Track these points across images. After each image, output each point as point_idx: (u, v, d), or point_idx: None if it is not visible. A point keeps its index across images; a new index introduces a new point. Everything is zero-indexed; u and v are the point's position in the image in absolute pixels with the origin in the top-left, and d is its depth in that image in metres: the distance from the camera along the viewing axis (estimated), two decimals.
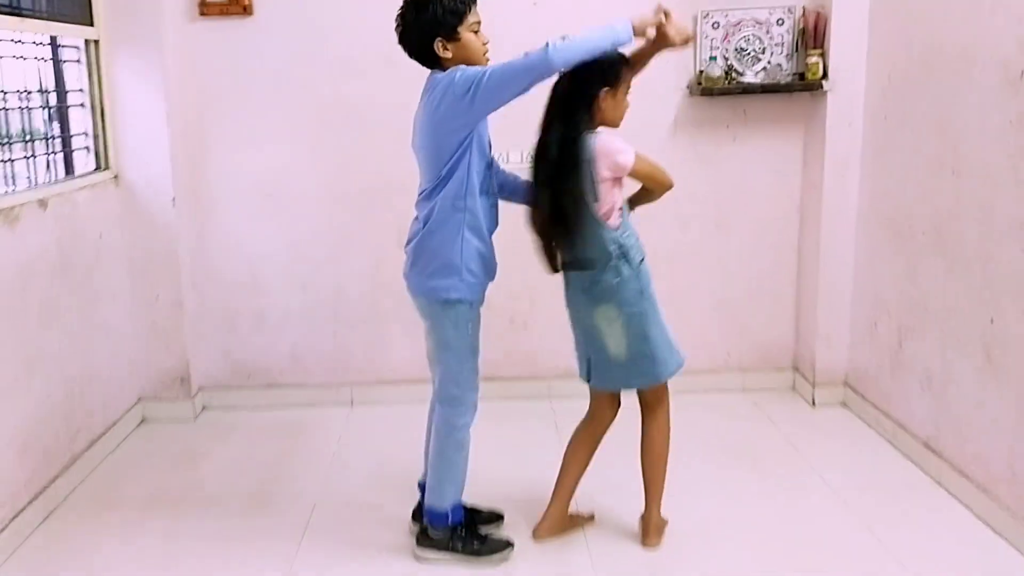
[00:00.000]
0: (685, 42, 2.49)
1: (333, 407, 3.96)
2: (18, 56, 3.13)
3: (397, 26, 2.44)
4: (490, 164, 2.53)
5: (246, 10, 3.64)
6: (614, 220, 2.52)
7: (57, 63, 3.44)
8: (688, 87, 3.80)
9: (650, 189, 2.62)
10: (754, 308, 4.03)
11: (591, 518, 2.89)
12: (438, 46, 2.38)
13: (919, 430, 3.27)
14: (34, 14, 3.14)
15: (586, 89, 2.47)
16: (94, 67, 3.52)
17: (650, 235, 3.87)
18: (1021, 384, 2.66)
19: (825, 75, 3.65)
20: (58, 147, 3.42)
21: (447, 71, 2.37)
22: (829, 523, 2.89)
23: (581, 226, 2.49)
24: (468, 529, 2.69)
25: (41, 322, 3.01)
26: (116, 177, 3.63)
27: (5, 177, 3.01)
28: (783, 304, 4.02)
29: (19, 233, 2.86)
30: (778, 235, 3.96)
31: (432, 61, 2.44)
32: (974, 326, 2.90)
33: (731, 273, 3.99)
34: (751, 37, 3.75)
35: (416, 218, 2.55)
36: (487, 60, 2.44)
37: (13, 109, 3.12)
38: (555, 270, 2.65)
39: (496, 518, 2.85)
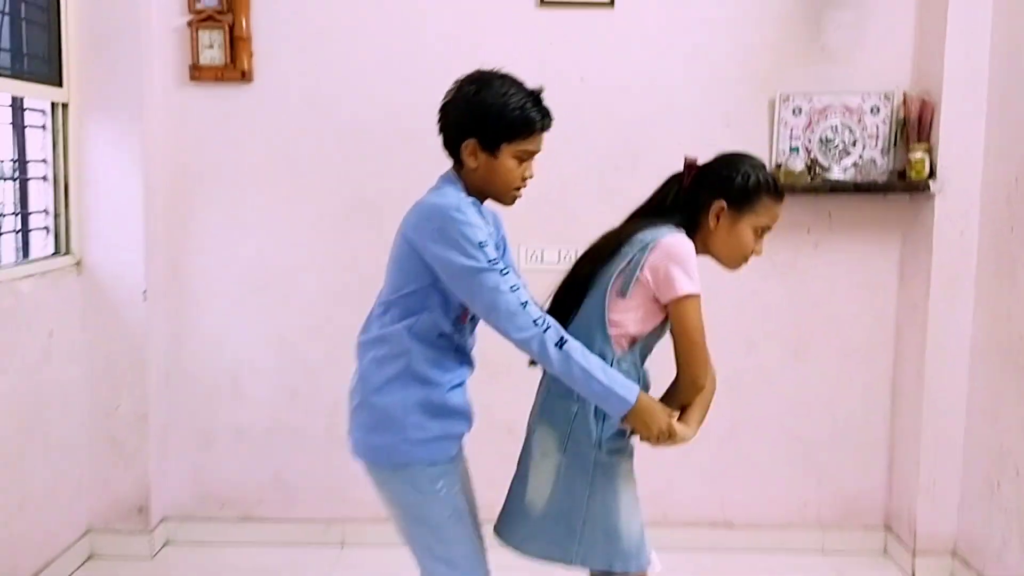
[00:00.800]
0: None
1: (320, 547, 3.27)
2: None
3: (448, 93, 1.93)
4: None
5: (244, 76, 3.12)
6: (621, 342, 1.88)
7: (19, 128, 2.93)
8: None
9: (684, 352, 1.89)
10: (838, 451, 3.30)
11: None
12: (466, 148, 1.86)
13: None
14: None
15: (703, 190, 1.97)
16: (60, 134, 3.00)
17: (712, 356, 3.25)
18: None
19: (932, 174, 3.01)
20: (13, 226, 2.89)
21: (440, 202, 1.82)
22: None
23: (579, 309, 1.91)
24: None
25: None
26: (78, 263, 3.07)
27: None
28: (874, 448, 3.29)
29: None
30: (869, 364, 3.26)
31: (453, 154, 1.90)
32: None
33: (810, 407, 3.28)
34: (839, 127, 3.14)
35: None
36: (513, 196, 1.93)
37: None
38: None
39: None
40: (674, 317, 1.87)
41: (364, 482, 2.38)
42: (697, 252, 1.93)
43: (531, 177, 1.93)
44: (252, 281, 3.24)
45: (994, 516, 2.88)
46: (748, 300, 3.24)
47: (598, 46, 3.18)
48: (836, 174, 3.13)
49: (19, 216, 2.96)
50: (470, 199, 1.85)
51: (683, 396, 1.92)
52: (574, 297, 1.93)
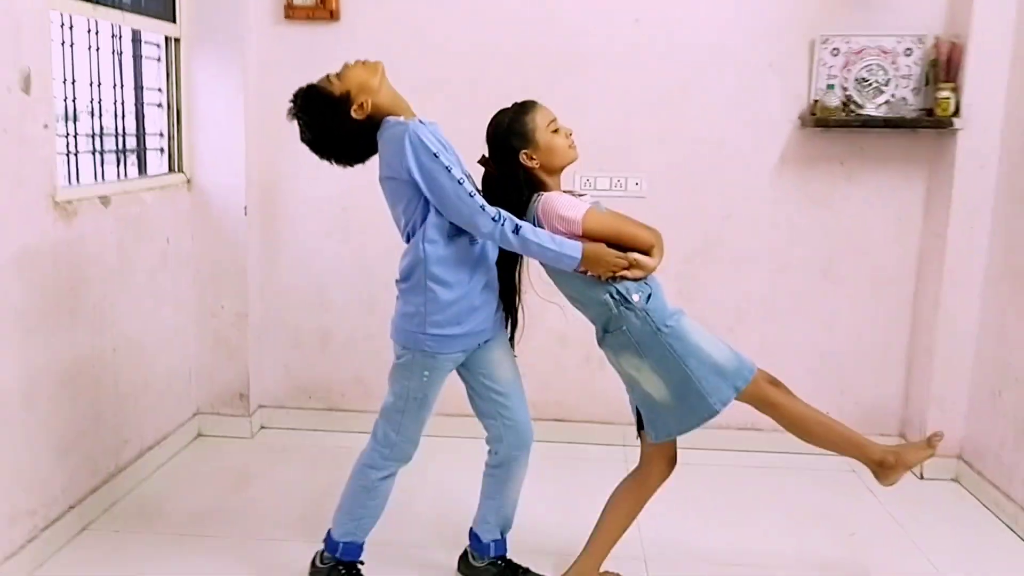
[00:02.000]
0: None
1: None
2: (96, 48, 3.04)
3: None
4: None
5: (333, 15, 3.48)
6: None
7: (137, 59, 3.34)
8: (800, 118, 3.47)
9: (624, 243, 2.29)
10: (860, 365, 3.64)
11: None
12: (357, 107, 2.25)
13: None
14: (114, 4, 3.04)
15: (504, 163, 2.32)
16: (172, 66, 3.42)
17: (744, 276, 3.60)
18: None
19: (957, 112, 3.28)
20: (131, 145, 3.32)
21: (399, 145, 2.16)
22: None
23: (569, 292, 2.38)
24: (350, 571, 2.48)
25: (94, 322, 2.86)
26: (188, 181, 3.51)
27: (71, 173, 2.90)
28: (893, 363, 3.62)
29: (75, 228, 2.73)
30: (892, 286, 3.57)
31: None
32: None
33: (836, 325, 3.62)
34: (875, 67, 3.41)
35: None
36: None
37: (87, 102, 3.02)
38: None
39: None
40: (589, 235, 2.25)
41: None
42: (553, 186, 2.33)
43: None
44: (338, 204, 3.65)
45: (996, 421, 3.21)
46: (783, 226, 3.56)
47: None
48: (870, 110, 3.40)
49: (137, 137, 3.40)
50: (417, 120, 2.21)
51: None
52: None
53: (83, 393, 2.82)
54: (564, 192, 2.34)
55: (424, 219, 2.21)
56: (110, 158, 3.19)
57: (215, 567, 2.66)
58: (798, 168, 3.52)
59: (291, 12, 3.50)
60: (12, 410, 2.45)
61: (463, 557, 2.63)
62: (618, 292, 2.27)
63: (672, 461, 2.49)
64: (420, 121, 2.22)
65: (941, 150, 3.41)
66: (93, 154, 3.07)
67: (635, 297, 2.27)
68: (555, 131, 2.31)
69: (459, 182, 2.14)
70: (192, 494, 3.17)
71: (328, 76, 2.29)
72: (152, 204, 3.23)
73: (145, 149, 3.41)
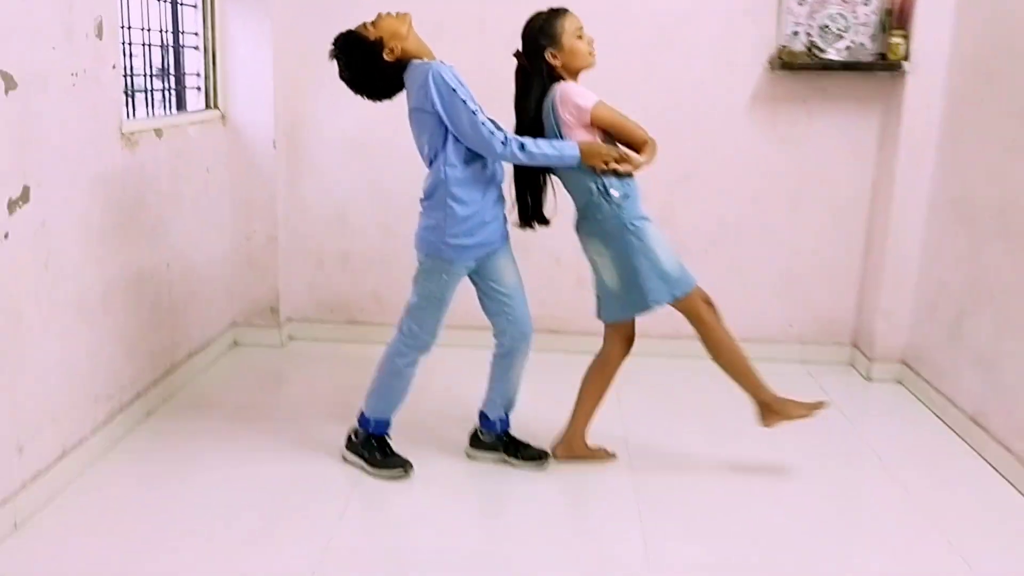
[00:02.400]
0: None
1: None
2: None
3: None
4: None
5: None
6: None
7: (175, 6, 3.74)
8: (769, 62, 3.89)
9: (622, 138, 2.77)
10: (819, 283, 4.12)
11: (612, 456, 3.10)
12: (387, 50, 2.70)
13: (967, 405, 3.35)
14: None
15: (533, 57, 2.74)
16: (208, 13, 3.82)
17: (718, 204, 4.05)
18: None
19: (907, 56, 3.70)
20: (172, 84, 3.74)
21: (425, 81, 2.61)
22: (871, 490, 3.04)
23: (563, 176, 2.83)
24: (380, 444, 2.98)
25: (152, 239, 3.32)
26: (223, 117, 3.94)
27: (125, 108, 3.32)
28: (847, 281, 4.11)
29: (137, 157, 3.16)
30: (848, 214, 4.04)
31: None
32: None
33: (799, 248, 4.09)
34: (836, 15, 3.82)
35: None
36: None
37: (135, 46, 3.43)
38: (523, 223, 2.94)
39: (541, 456, 3.07)
40: (596, 123, 2.72)
41: None
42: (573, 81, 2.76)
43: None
44: (356, 138, 4.08)
45: (932, 330, 3.70)
46: (752, 162, 4.01)
47: None
48: (831, 55, 3.83)
49: (175, 77, 3.81)
50: (439, 61, 2.65)
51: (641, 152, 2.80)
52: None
53: (144, 300, 3.29)
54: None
55: (444, 146, 2.66)
56: (155, 95, 3.61)
57: (260, 444, 3.15)
58: (767, 108, 3.96)
59: None
60: (93, 310, 2.91)
61: (473, 435, 3.12)
62: (602, 184, 2.73)
63: (628, 341, 3.01)
64: (440, 63, 2.64)
65: (893, 91, 3.85)
66: (144, 92, 3.49)
67: (614, 192, 2.74)
68: (579, 37, 2.74)
69: (473, 112, 2.58)
70: (235, 390, 3.67)
71: (364, 24, 2.70)
72: (194, 137, 3.65)
73: (184, 88, 3.82)
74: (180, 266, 3.57)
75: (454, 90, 2.58)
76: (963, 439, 3.36)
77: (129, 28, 3.30)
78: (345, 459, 3.02)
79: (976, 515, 2.83)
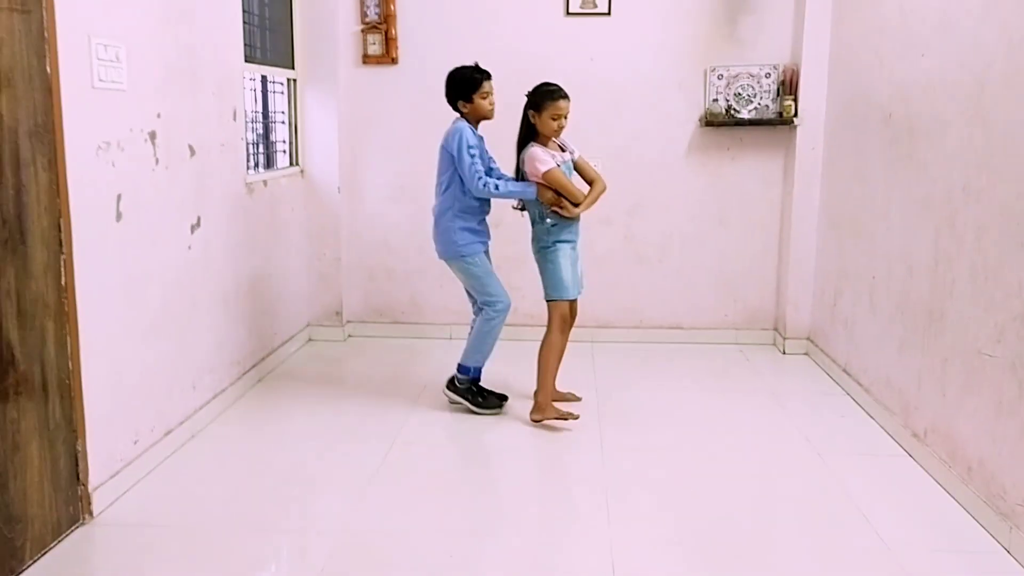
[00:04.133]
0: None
1: (437, 340, 5.60)
2: (251, 89, 4.91)
3: (445, 87, 4.08)
4: (489, 171, 4.08)
5: (394, 60, 5.35)
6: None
7: (265, 94, 5.21)
8: (699, 120, 5.31)
9: (564, 196, 3.93)
10: (746, 282, 5.48)
11: (578, 398, 4.36)
12: (460, 104, 4.00)
13: (840, 360, 4.69)
14: (260, 61, 4.91)
15: (526, 111, 3.96)
16: (292, 97, 5.30)
17: (666, 224, 5.44)
18: (888, 317, 4.08)
19: (796, 114, 5.11)
20: (267, 149, 5.20)
21: (457, 127, 3.98)
22: (768, 419, 4.36)
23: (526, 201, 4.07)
24: (480, 388, 4.22)
25: (262, 256, 4.73)
26: (302, 171, 5.38)
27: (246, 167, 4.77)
28: (767, 279, 5.47)
29: (253, 199, 4.60)
30: (764, 228, 5.41)
31: (457, 109, 4.06)
32: (865, 283, 4.33)
33: (728, 255, 5.46)
34: (746, 85, 5.24)
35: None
36: (492, 113, 4.06)
37: (249, 123, 4.88)
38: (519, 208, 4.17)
39: (501, 399, 4.27)
40: (547, 182, 3.88)
41: (462, 302, 4.58)
42: (542, 139, 3.94)
43: (494, 104, 4.03)
44: (398, 182, 5.51)
45: (825, 313, 5.05)
46: (690, 190, 5.41)
47: (601, 39, 5.31)
48: (744, 114, 5.24)
49: (266, 143, 5.26)
50: (468, 125, 3.96)
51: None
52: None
53: (258, 297, 4.68)
54: (550, 148, 3.93)
55: (452, 181, 4.06)
56: (259, 157, 5.06)
57: (336, 407, 4.48)
58: (699, 152, 5.36)
59: (367, 59, 5.37)
60: (230, 301, 4.31)
61: (450, 380, 4.26)
62: (542, 212, 3.96)
63: (565, 319, 4.08)
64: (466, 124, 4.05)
65: (789, 138, 5.25)
66: (252, 155, 4.95)
67: (548, 220, 3.96)
68: (554, 119, 3.85)
69: (472, 163, 3.93)
70: (315, 369, 5.05)
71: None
72: (284, 185, 5.10)
73: (274, 152, 5.28)
74: (277, 277, 4.98)
75: (470, 146, 3.96)
76: (837, 383, 4.69)
77: (246, 112, 4.76)
78: (448, 398, 4.23)
79: (842, 434, 4.16)
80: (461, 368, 4.21)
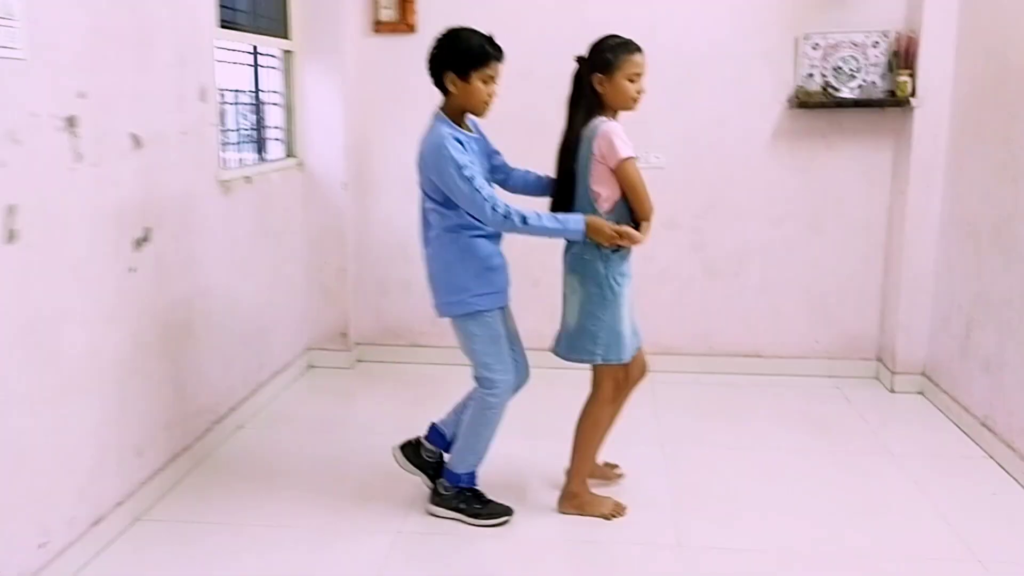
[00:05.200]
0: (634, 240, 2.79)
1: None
2: (232, 62, 3.97)
3: (430, 47, 2.81)
4: (494, 171, 3.03)
5: (411, 28, 4.38)
6: (603, 204, 2.79)
7: (257, 69, 4.27)
8: (787, 100, 4.28)
9: (631, 200, 2.78)
10: (842, 301, 4.46)
11: (621, 508, 3.07)
12: (447, 80, 2.77)
13: (977, 410, 3.65)
14: (246, 29, 3.96)
15: (585, 71, 2.82)
16: (287, 73, 4.35)
17: (745, 229, 4.42)
18: None
19: (914, 93, 4.06)
20: (256, 137, 4.26)
21: (435, 142, 2.74)
22: (888, 489, 3.33)
23: (573, 194, 2.84)
24: (475, 493, 3.02)
25: (243, 272, 3.81)
26: (300, 164, 4.44)
27: (220, 159, 3.84)
28: (869, 298, 4.44)
29: (232, 200, 3.66)
30: (866, 236, 4.38)
31: (441, 88, 2.84)
32: (1018, 311, 3.29)
33: (821, 268, 4.44)
34: (848, 57, 4.20)
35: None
36: (486, 108, 2.82)
37: (227, 105, 3.95)
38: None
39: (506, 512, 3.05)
40: (620, 176, 2.75)
41: None
42: (609, 114, 2.81)
43: (494, 97, 2.80)
44: (415, 179, 4.54)
45: (947, 343, 4.01)
46: (775, 188, 4.39)
47: (664, 1, 4.30)
48: (845, 93, 4.20)
49: (259, 131, 4.33)
50: (452, 133, 2.73)
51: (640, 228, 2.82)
52: (569, 184, 2.86)
53: (237, 324, 3.77)
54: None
55: (444, 213, 2.87)
56: (244, 146, 4.13)
57: (334, 455, 3.58)
58: (787, 140, 4.34)
59: (379, 27, 4.41)
60: (198, 332, 3.39)
61: (412, 444, 3.15)
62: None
63: (620, 385, 3.01)
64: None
65: (902, 124, 4.21)
66: (235, 144, 4.01)
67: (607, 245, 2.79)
68: (631, 80, 2.76)
69: (472, 187, 2.69)
70: (313, 406, 4.13)
71: None
72: (276, 182, 4.16)
73: (265, 139, 4.34)
74: (265, 295, 4.06)
75: (459, 165, 2.74)
76: (975, 442, 3.66)
77: (222, 91, 3.82)
78: (434, 515, 3.02)
79: (985, 512, 3.11)
80: (449, 475, 3.04)
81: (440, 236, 2.89)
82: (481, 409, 2.96)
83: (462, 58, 2.75)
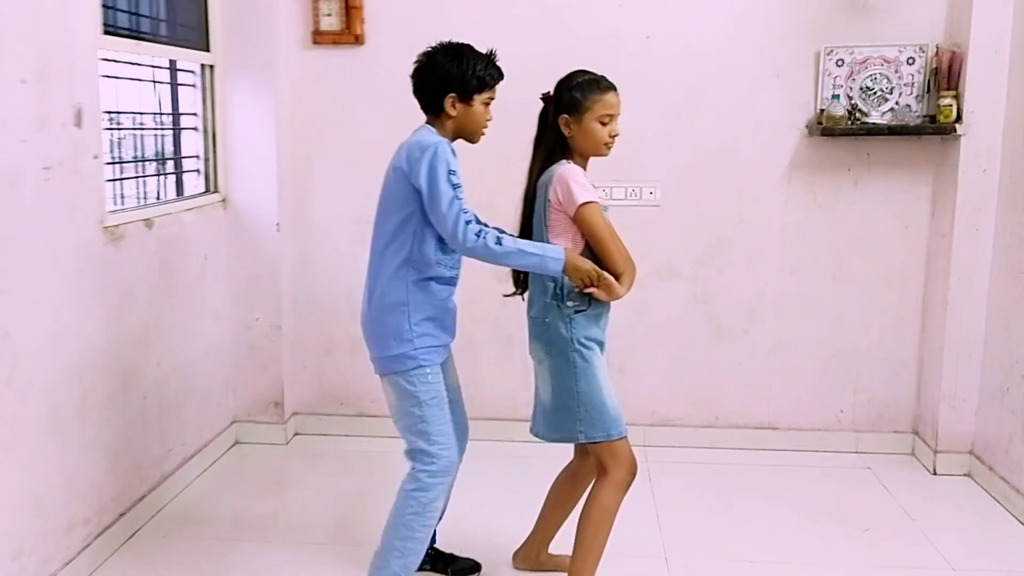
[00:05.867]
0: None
1: None
2: (136, 79, 3.22)
3: (420, 62, 2.45)
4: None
5: (358, 39, 3.66)
6: None
7: (174, 87, 3.53)
8: (807, 127, 3.60)
9: (598, 252, 2.37)
10: (871, 364, 3.76)
11: None
12: (448, 102, 2.39)
13: None
14: (153, 38, 3.23)
15: (552, 115, 2.45)
16: (208, 91, 3.60)
17: (756, 278, 3.73)
18: None
19: (959, 118, 3.40)
20: (170, 168, 3.51)
21: (430, 140, 2.35)
22: None
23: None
24: (437, 552, 2.68)
25: (141, 338, 3.05)
26: (224, 200, 3.69)
27: (115, 196, 3.08)
28: (904, 361, 3.74)
29: (123, 251, 2.91)
30: (901, 287, 3.69)
31: (435, 109, 2.44)
32: None
33: (847, 325, 3.74)
34: (878, 76, 3.53)
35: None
36: (481, 135, 2.48)
37: (127, 130, 3.20)
38: (516, 289, 2.63)
39: (473, 569, 2.78)
40: (580, 224, 2.35)
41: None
42: (575, 160, 2.43)
43: (490, 120, 2.47)
44: (366, 215, 3.78)
45: (1004, 417, 3.32)
46: (792, 230, 3.70)
47: (661, 8, 3.62)
48: (875, 118, 3.53)
49: (174, 161, 3.58)
50: (446, 140, 2.38)
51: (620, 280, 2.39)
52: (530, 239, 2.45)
53: (131, 405, 3.00)
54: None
55: (405, 229, 2.45)
56: (150, 181, 3.38)
57: (255, 570, 2.82)
58: (806, 174, 3.65)
59: (318, 37, 3.68)
60: (68, 422, 2.62)
61: None
62: (561, 286, 2.38)
63: (632, 466, 2.49)
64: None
65: (945, 155, 3.54)
66: (136, 179, 3.26)
67: (568, 303, 2.38)
68: (603, 123, 2.40)
69: (455, 199, 2.30)
70: (232, 500, 3.34)
71: None
72: (191, 223, 3.41)
73: (183, 171, 3.59)
74: (172, 363, 3.29)
75: (452, 171, 2.36)
76: None
77: (117, 113, 3.08)
78: None
79: None
80: None
81: (389, 271, 2.46)
82: (414, 493, 2.43)
83: (467, 79, 2.40)
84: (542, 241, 2.40)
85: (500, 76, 2.46)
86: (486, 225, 2.37)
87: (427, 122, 2.47)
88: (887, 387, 3.77)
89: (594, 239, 2.36)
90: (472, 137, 2.48)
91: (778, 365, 3.80)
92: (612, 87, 2.43)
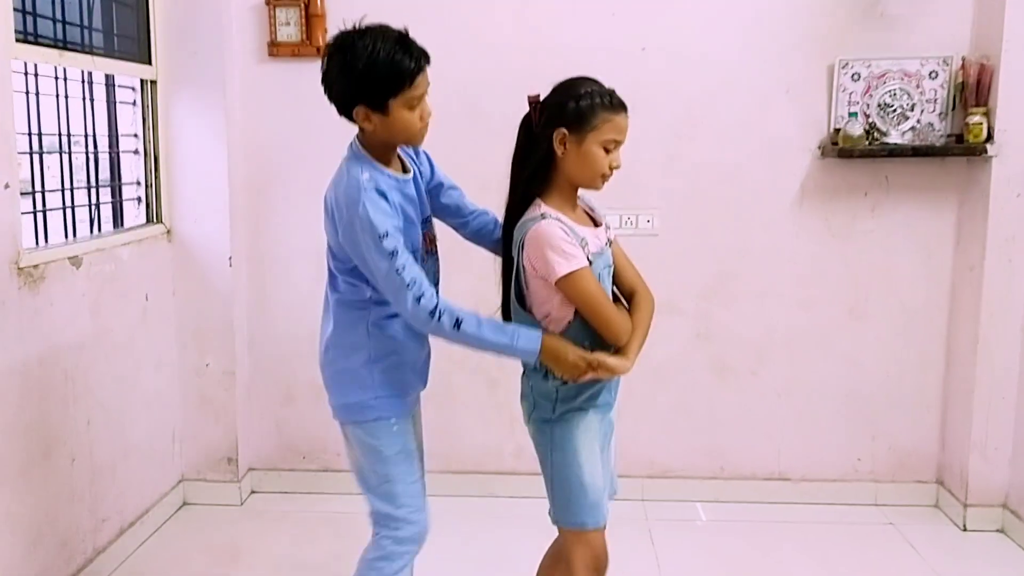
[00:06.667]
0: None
1: None
2: (64, 95, 2.81)
3: (323, 64, 1.98)
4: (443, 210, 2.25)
5: (319, 51, 3.27)
6: (552, 326, 1.98)
7: (110, 105, 3.12)
8: (820, 148, 3.26)
9: (591, 323, 1.96)
10: (891, 408, 3.41)
11: None
12: (358, 114, 1.93)
13: None
14: (83, 49, 2.82)
15: (545, 127, 1.96)
16: (149, 110, 3.19)
17: (765, 314, 3.37)
18: None
19: (990, 138, 3.07)
20: (105, 197, 3.09)
21: (349, 194, 1.91)
22: None
23: (509, 310, 2.06)
24: None
25: (66, 396, 2.62)
26: (168, 232, 3.28)
27: (37, 232, 2.66)
28: (927, 405, 3.40)
29: (44, 295, 2.49)
30: (924, 324, 3.35)
31: (350, 119, 2.00)
32: None
33: (865, 366, 3.39)
34: (898, 92, 3.20)
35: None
36: (420, 138, 2.02)
37: (51, 154, 2.79)
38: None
39: None
40: (566, 294, 1.93)
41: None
42: (557, 188, 1.99)
43: (430, 115, 1.99)
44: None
45: None
46: (804, 262, 3.35)
47: (659, 17, 3.27)
48: (895, 138, 3.19)
49: (112, 188, 3.16)
50: (372, 178, 1.92)
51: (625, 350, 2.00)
52: (510, 305, 2.07)
53: (55, 473, 2.57)
54: (570, 218, 1.98)
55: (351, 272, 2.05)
56: (83, 212, 2.96)
57: None
58: (819, 200, 3.31)
59: (275, 49, 3.29)
60: (15, 467, 2.20)
61: None
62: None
63: (599, 559, 2.09)
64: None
65: (973, 178, 3.21)
66: (63, 210, 2.84)
67: (551, 377, 2.00)
68: (606, 149, 1.95)
69: (394, 266, 1.90)
70: (178, 574, 2.91)
71: None
72: (128, 260, 2.99)
73: (121, 200, 3.18)
74: (107, 420, 2.86)
75: (380, 235, 1.92)
76: None
77: (39, 135, 2.66)
78: None
79: None
80: None
81: (345, 310, 2.06)
82: (377, 563, 2.10)
83: (371, 85, 1.87)
84: (523, 304, 2.00)
85: (418, 63, 1.90)
86: (439, 298, 1.92)
87: (357, 135, 2.03)
88: (909, 433, 3.42)
89: (584, 310, 1.94)
90: (408, 142, 2.03)
91: (789, 410, 3.44)
92: (624, 107, 1.97)
